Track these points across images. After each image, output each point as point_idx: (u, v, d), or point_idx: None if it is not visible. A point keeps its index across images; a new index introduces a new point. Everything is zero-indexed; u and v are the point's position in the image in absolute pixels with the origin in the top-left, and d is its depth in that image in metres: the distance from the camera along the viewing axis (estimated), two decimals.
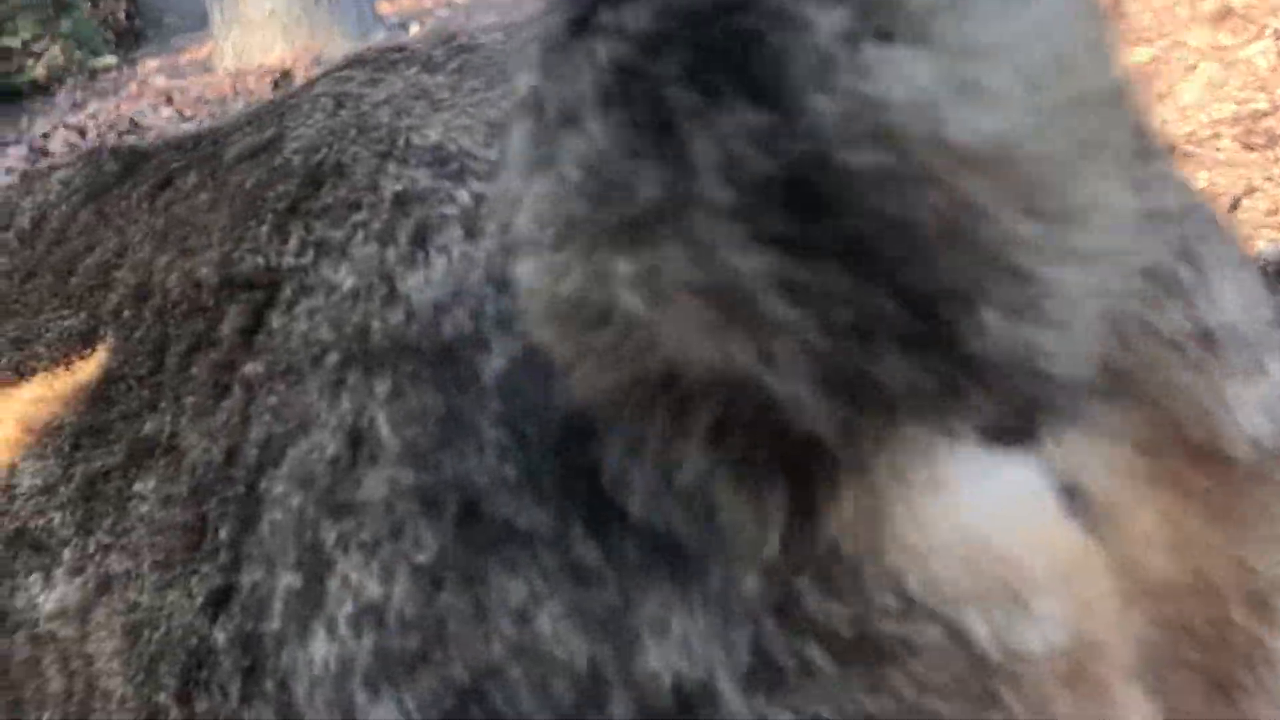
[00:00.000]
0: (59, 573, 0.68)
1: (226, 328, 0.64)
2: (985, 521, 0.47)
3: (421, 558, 0.52)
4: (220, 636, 0.60)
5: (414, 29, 5.08)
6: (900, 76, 0.34)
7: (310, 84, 0.77)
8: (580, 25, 0.38)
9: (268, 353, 0.61)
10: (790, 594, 0.46)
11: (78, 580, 0.67)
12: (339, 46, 4.90)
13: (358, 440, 0.55)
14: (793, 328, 0.36)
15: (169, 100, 4.62)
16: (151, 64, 6.03)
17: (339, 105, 0.70)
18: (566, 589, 0.50)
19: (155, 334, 0.69)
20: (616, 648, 0.49)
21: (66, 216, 0.84)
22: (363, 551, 0.54)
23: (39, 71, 6.47)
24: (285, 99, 0.78)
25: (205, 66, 5.53)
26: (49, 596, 0.68)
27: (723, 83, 0.35)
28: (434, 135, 0.62)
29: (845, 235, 0.36)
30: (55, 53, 6.56)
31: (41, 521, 0.70)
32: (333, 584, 0.54)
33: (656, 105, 0.36)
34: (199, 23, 6.25)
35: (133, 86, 5.34)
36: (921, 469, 0.45)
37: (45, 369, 0.75)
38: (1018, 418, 0.42)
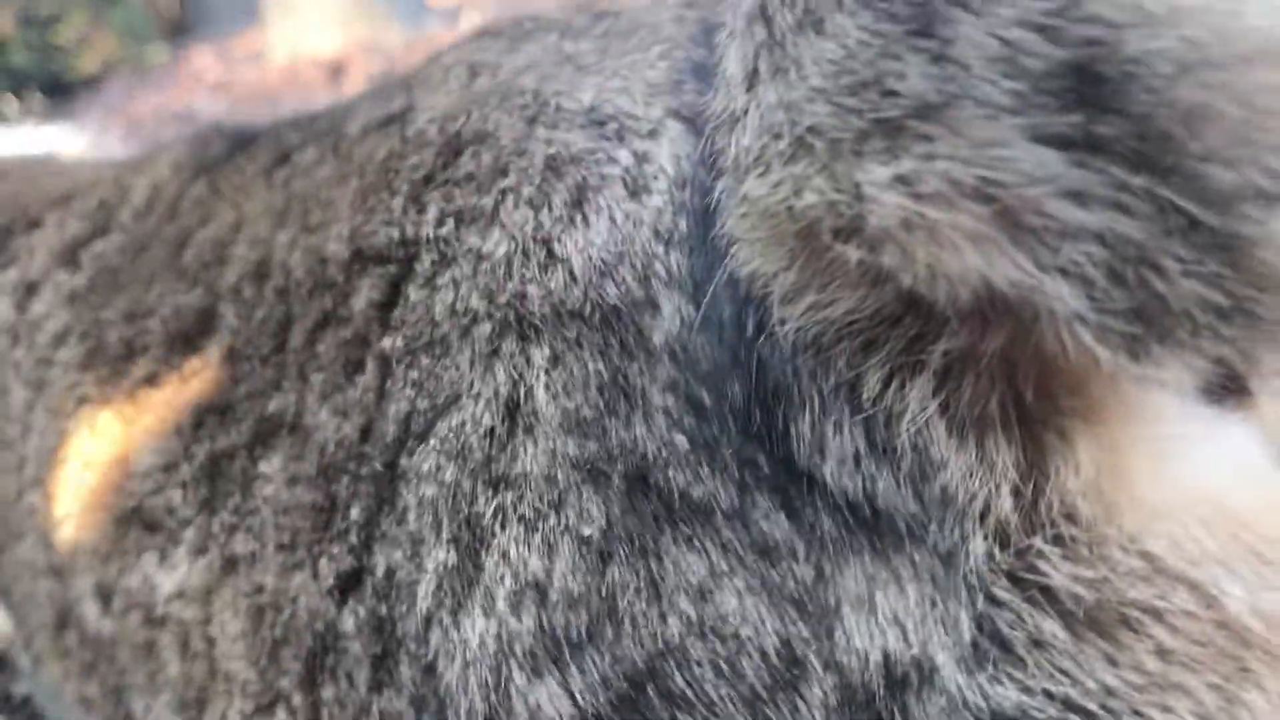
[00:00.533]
0: (180, 553, 0.67)
1: (358, 303, 0.62)
2: (1219, 482, 0.43)
3: (588, 530, 0.50)
4: (350, 621, 0.58)
5: (465, 18, 5.01)
6: None
7: (435, 57, 0.73)
8: None
9: (407, 326, 0.59)
10: (1023, 559, 0.43)
11: (201, 561, 0.66)
12: (393, 37, 4.85)
13: (514, 410, 0.53)
14: (1079, 234, 0.33)
15: (222, 91, 4.58)
16: (203, 56, 6.01)
17: (474, 74, 0.66)
18: (752, 564, 0.47)
19: (278, 312, 0.67)
20: (813, 626, 0.46)
21: (177, 192, 0.82)
22: (523, 525, 0.52)
23: (91, 64, 6.50)
24: (409, 73, 0.74)
25: (257, 58, 5.50)
26: (169, 578, 0.67)
27: None
28: (586, 98, 0.59)
29: (1136, 131, 0.33)
30: (107, 45, 6.59)
31: (160, 500, 0.68)
32: (490, 560, 0.52)
33: None
34: (250, 14, 6.24)
35: (185, 78, 5.32)
36: (1156, 427, 0.42)
37: (158, 345, 0.73)
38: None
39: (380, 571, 0.57)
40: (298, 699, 0.60)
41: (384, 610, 0.56)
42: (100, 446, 0.74)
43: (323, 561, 0.60)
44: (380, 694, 0.56)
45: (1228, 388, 0.42)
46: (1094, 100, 0.33)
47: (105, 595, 0.72)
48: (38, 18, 6.31)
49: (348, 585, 0.58)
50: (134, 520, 0.70)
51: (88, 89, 6.16)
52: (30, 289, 0.84)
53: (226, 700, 0.64)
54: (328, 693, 0.59)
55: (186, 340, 0.72)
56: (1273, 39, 0.32)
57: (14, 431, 0.82)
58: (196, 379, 0.70)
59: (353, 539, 0.58)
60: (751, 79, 0.39)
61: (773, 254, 0.41)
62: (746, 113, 0.39)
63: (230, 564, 0.64)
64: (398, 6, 5.04)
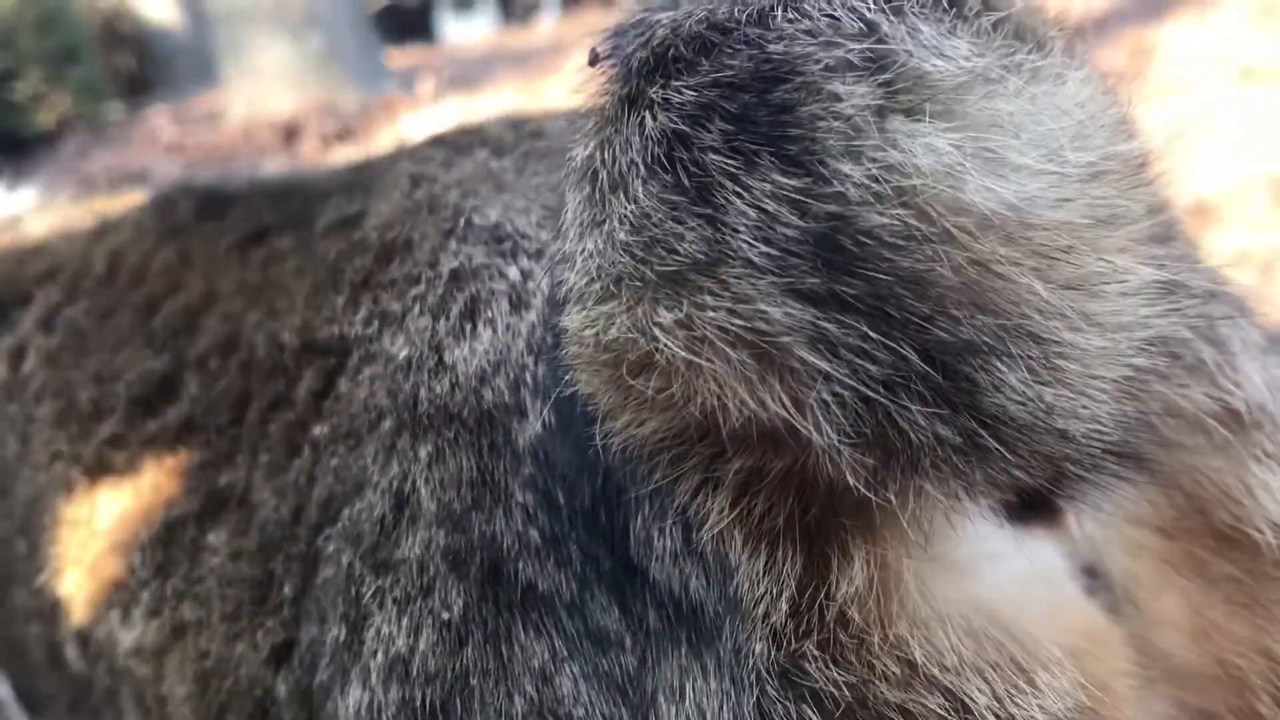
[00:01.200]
0: (137, 613, 0.72)
1: (302, 390, 0.67)
2: (997, 596, 0.47)
3: (447, 614, 0.54)
4: (282, 689, 0.63)
5: (420, 82, 5.09)
6: (924, 146, 0.38)
7: (395, 158, 0.79)
8: (632, 100, 0.42)
9: (333, 416, 0.64)
10: (793, 660, 0.47)
11: (154, 623, 0.70)
12: (349, 98, 4.91)
13: (402, 502, 0.58)
14: (824, 377, 0.38)
15: (177, 151, 4.61)
16: (160, 114, 6.04)
17: (415, 185, 0.72)
18: (587, 651, 0.51)
19: (238, 386, 0.72)
20: (633, 711, 0.50)
21: (144, 256, 0.87)
22: (396, 606, 0.56)
23: (47, 121, 6.50)
24: (373, 170, 0.81)
25: (214, 117, 5.54)
26: (127, 634, 0.72)
27: (758, 149, 0.39)
28: (494, 215, 0.65)
29: (871, 291, 0.38)
30: (64, 102, 6.60)
31: (123, 560, 0.73)
32: (368, 635, 0.57)
33: (698, 170, 0.40)
34: (208, 73, 6.28)
35: (142, 137, 5.34)
36: (939, 543, 0.46)
37: (122, 407, 0.78)
38: (1038, 480, 0.43)
39: (305, 644, 0.62)
40: None
41: (306, 680, 0.61)
42: (71, 502, 0.79)
43: (260, 633, 0.64)
44: None
45: (1033, 507, 0.47)
46: (836, 264, 0.38)
47: (83, 640, 0.77)
48: None
49: (281, 656, 0.63)
50: (101, 574, 0.74)
51: (43, 146, 6.16)
52: (20, 352, 0.91)
53: None
54: None
55: (148, 405, 0.76)
56: (985, 214, 0.37)
57: (6, 480, 0.88)
58: (155, 444, 0.74)
59: (285, 613, 0.63)
60: (580, 226, 0.44)
61: (592, 378, 0.45)
62: (575, 255, 0.44)
63: (179, 629, 0.69)
64: (354, 68, 5.11)
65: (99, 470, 0.78)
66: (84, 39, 6.94)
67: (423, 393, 0.59)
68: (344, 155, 3.85)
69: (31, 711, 0.94)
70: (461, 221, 0.65)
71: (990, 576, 0.47)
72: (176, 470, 0.73)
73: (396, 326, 0.63)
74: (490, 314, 0.60)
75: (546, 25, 9.68)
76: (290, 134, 4.46)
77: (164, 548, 0.71)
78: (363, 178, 0.80)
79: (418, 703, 0.54)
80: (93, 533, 0.77)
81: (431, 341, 0.61)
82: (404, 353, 0.62)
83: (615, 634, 0.51)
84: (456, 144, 0.76)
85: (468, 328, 0.60)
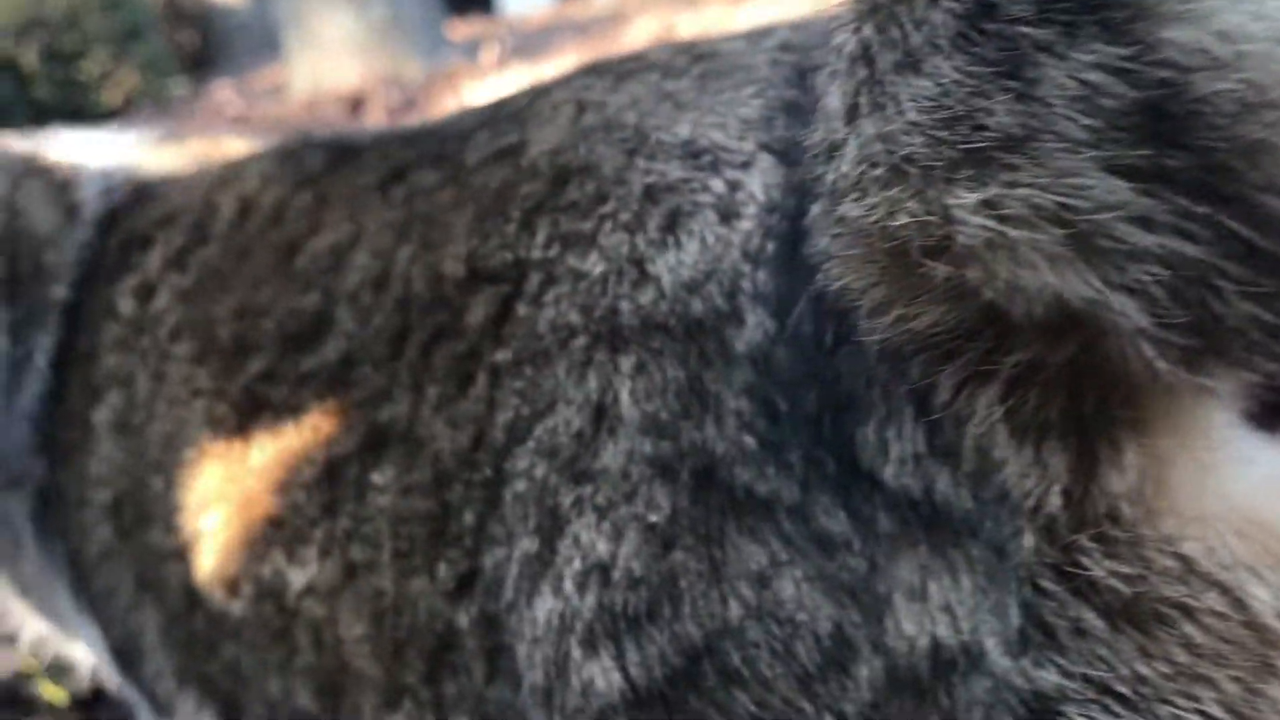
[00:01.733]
0: (308, 552, 0.73)
1: (472, 319, 0.67)
2: (1257, 498, 0.46)
3: (654, 518, 0.55)
4: (464, 619, 0.64)
5: (484, 52, 5.06)
6: (1258, 10, 0.36)
7: (541, 93, 0.79)
8: None
9: (515, 340, 0.64)
10: (1069, 554, 0.46)
11: (327, 563, 0.71)
12: (412, 70, 4.90)
13: (601, 414, 0.59)
14: (1144, 256, 0.37)
15: (244, 124, 4.63)
16: (224, 89, 6.08)
17: (581, 110, 0.72)
18: (811, 555, 0.51)
19: (395, 322, 0.72)
20: (865, 613, 0.50)
21: (278, 201, 0.87)
22: (596, 513, 0.57)
23: (113, 98, 6.58)
24: (514, 107, 0.80)
25: (277, 91, 5.56)
26: (299, 574, 0.73)
27: (1078, 19, 0.37)
28: (684, 132, 0.64)
29: (1199, 164, 0.36)
30: (130, 80, 6.68)
31: (285, 499, 0.74)
32: (563, 545, 0.58)
33: (1009, 44, 0.38)
34: (269, 48, 6.32)
35: (207, 111, 5.38)
36: (1201, 442, 0.45)
37: (273, 343, 0.78)
38: None
39: (488, 570, 0.63)
40: (424, 693, 0.66)
41: (491, 606, 0.62)
42: (217, 438, 0.79)
43: (440, 566, 0.65)
44: (492, 684, 0.63)
45: (1274, 414, 0.45)
46: (1162, 135, 0.36)
47: (231, 580, 0.77)
48: (62, 53, 6.41)
49: (462, 586, 0.64)
50: (258, 513, 0.75)
51: (110, 122, 6.24)
52: (149, 289, 0.91)
53: (358, 693, 0.70)
54: (449, 687, 0.65)
55: (300, 341, 0.76)
56: None
57: (140, 418, 0.87)
58: (310, 381, 0.75)
59: (467, 543, 0.64)
60: (851, 113, 0.43)
61: (865, 270, 0.44)
62: (845, 143, 0.43)
63: (350, 569, 0.70)
64: (416, 39, 5.10)
65: (249, 407, 0.78)
66: (148, 17, 7.02)
67: (624, 305, 0.60)
68: (408, 126, 3.84)
69: (127, 667, 0.91)
70: (649, 139, 0.65)
71: (1246, 479, 0.45)
72: (334, 407, 0.73)
73: (585, 245, 0.64)
74: (694, 226, 0.60)
75: None
76: (355, 106, 4.46)
77: (329, 486, 0.72)
78: (504, 113, 0.80)
79: (619, 607, 0.55)
80: (246, 469, 0.77)
81: (630, 256, 0.61)
82: (598, 269, 0.62)
83: (841, 537, 0.51)
84: (618, 71, 0.75)
85: (670, 240, 0.60)
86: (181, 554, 0.81)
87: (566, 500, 0.59)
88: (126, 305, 0.92)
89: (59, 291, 0.97)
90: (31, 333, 0.96)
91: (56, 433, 0.94)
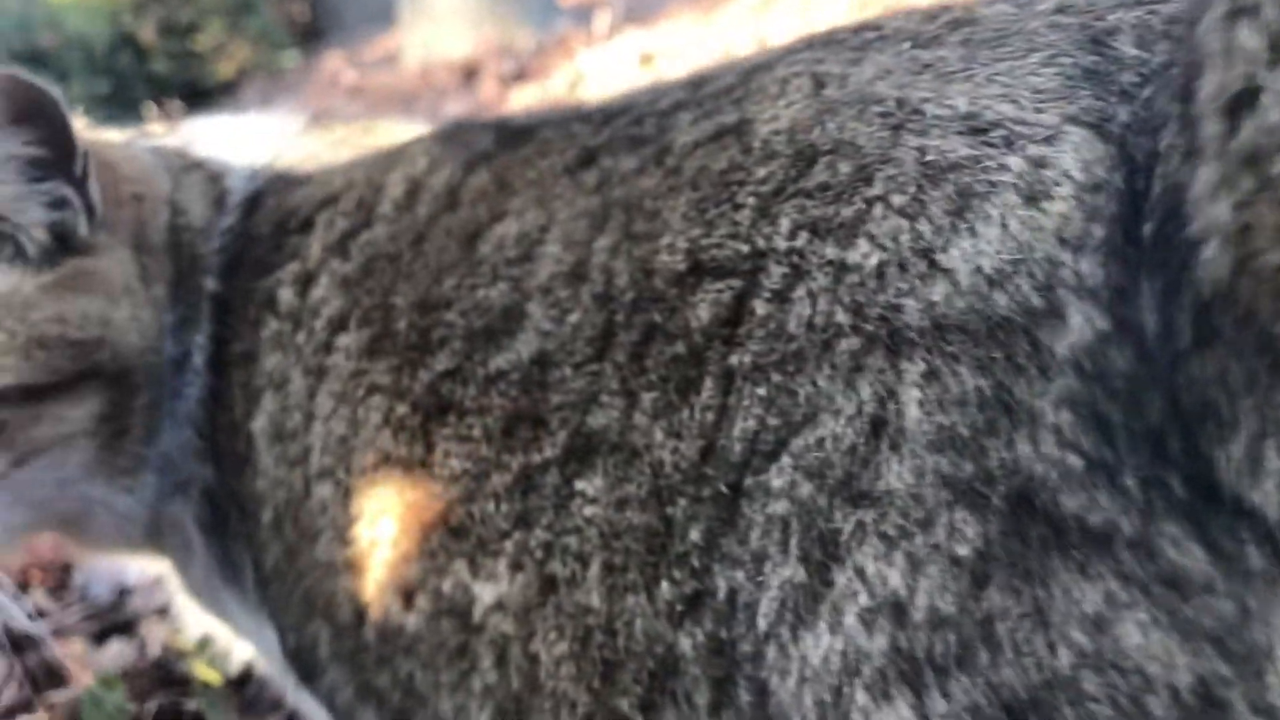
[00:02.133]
0: (498, 566, 0.67)
1: (694, 319, 0.61)
2: None
3: (961, 551, 0.49)
4: (687, 644, 0.58)
5: (597, 19, 5.01)
6: None
7: (759, 66, 0.71)
8: None
9: (754, 342, 0.58)
10: None
11: (520, 577, 0.66)
12: (525, 39, 4.87)
13: (879, 427, 0.52)
14: None
15: (358, 93, 4.66)
16: (335, 60, 6.14)
17: (820, 84, 0.64)
18: (1159, 596, 0.45)
19: (596, 319, 0.65)
20: (1237, 666, 0.44)
21: (451, 183, 0.81)
22: (883, 542, 0.51)
23: (227, 70, 6.70)
24: (728, 82, 0.72)
25: (388, 61, 5.59)
26: (487, 589, 0.67)
27: None
28: (961, 104, 0.57)
29: None
30: (243, 52, 6.79)
31: (471, 508, 0.68)
32: (842, 576, 0.52)
33: None
34: (379, 18, 6.35)
35: (320, 81, 5.43)
36: None
37: (460, 339, 0.72)
38: None
39: (721, 593, 0.57)
40: None
41: (724, 632, 0.56)
42: (399, 440, 0.73)
43: (662, 585, 0.59)
44: (719, 716, 0.57)
45: None
46: None
47: (407, 592, 0.72)
48: (178, 26, 6.54)
49: (688, 608, 0.58)
50: (441, 523, 0.69)
51: (224, 94, 6.35)
52: (309, 278, 0.84)
53: (552, 715, 0.65)
54: (668, 715, 0.59)
55: (491, 337, 0.70)
56: None
57: (295, 421, 0.81)
58: (503, 380, 0.68)
59: (693, 562, 0.58)
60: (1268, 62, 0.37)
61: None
62: (1262, 91, 0.37)
63: (549, 583, 0.64)
64: (527, 6, 5.06)
65: (434, 407, 0.71)
66: None
67: (909, 302, 0.52)
68: (523, 96, 3.82)
69: (306, 677, 0.87)
70: (916, 113, 0.58)
71: None
72: (529, 410, 0.66)
73: (847, 233, 0.56)
74: (991, 210, 0.52)
75: None
76: (469, 74, 4.45)
77: (523, 495, 0.65)
78: (708, 91, 0.72)
79: (920, 651, 0.49)
80: (428, 474, 0.71)
81: (913, 245, 0.54)
82: (871, 260, 0.55)
83: (1198, 576, 0.44)
84: (853, 42, 0.67)
85: (962, 226, 0.53)
86: (352, 564, 0.76)
87: (843, 526, 0.52)
88: (286, 296, 0.85)
89: (210, 284, 0.91)
90: (190, 332, 0.90)
91: (219, 439, 0.89)
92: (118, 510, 0.90)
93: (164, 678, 1.24)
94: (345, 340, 0.78)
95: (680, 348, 0.61)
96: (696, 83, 0.77)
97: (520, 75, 4.28)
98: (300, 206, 0.90)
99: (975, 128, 0.55)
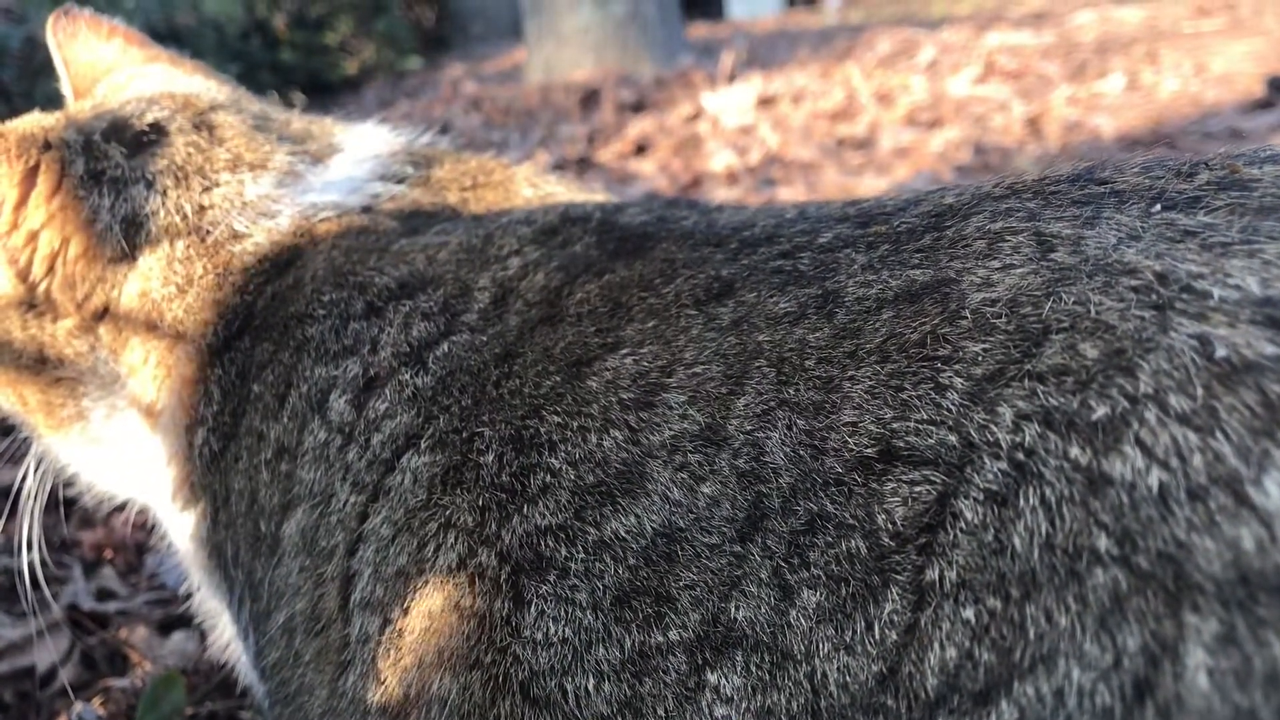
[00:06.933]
0: None
1: (880, 513, 0.51)
2: None
3: None
4: None
5: (724, 57, 4.99)
6: None
7: (951, 212, 0.63)
8: None
9: (960, 553, 0.48)
10: None
11: None
12: (646, 68, 4.87)
13: (1146, 690, 0.41)
14: None
15: (476, 106, 4.69)
16: (455, 69, 6.22)
17: (1047, 246, 0.55)
18: None
19: (739, 498, 0.55)
20: None
21: (548, 294, 0.72)
22: None
23: (351, 67, 6.83)
24: (912, 225, 0.63)
25: (509, 76, 5.64)
26: None
27: None
28: (1251, 286, 0.47)
29: None
30: (368, 51, 6.92)
31: (564, 683, 0.58)
32: None
33: None
34: (505, 34, 6.42)
35: (442, 89, 5.49)
36: None
37: (564, 490, 0.61)
38: None
39: None
40: None
41: None
42: (477, 590, 0.62)
43: None
44: None
45: None
46: None
47: None
48: (309, 20, 6.68)
49: None
50: (518, 691, 0.59)
51: (346, 90, 6.47)
52: (370, 385, 0.75)
53: None
54: None
55: (604, 496, 0.60)
56: None
57: (335, 539, 0.72)
58: (617, 547, 0.58)
59: None
60: None
61: None
62: None
63: None
64: (653, 37, 5.07)
65: (528, 562, 0.61)
66: None
67: (1202, 542, 0.42)
68: (640, 125, 3.80)
69: None
70: (1186, 291, 0.48)
71: None
72: (650, 584, 0.57)
73: (1105, 435, 0.46)
74: None
75: (831, 9, 9.48)
76: (587, 98, 4.45)
77: (635, 679, 0.56)
78: (888, 232, 0.63)
79: None
80: (511, 635, 0.60)
81: (1209, 469, 0.43)
82: (1147, 479, 0.44)
83: None
84: (1078, 195, 0.59)
85: (1276, 453, 0.42)
86: (388, 711, 0.65)
87: None
88: (339, 407, 0.75)
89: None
90: None
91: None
92: None
93: (223, 681, 1.21)
94: (413, 462, 0.69)
95: (857, 544, 0.51)
96: (861, 218, 0.66)
97: (639, 105, 4.27)
98: (371, 285, 0.81)
99: (1278, 319, 0.45)
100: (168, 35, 5.27)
